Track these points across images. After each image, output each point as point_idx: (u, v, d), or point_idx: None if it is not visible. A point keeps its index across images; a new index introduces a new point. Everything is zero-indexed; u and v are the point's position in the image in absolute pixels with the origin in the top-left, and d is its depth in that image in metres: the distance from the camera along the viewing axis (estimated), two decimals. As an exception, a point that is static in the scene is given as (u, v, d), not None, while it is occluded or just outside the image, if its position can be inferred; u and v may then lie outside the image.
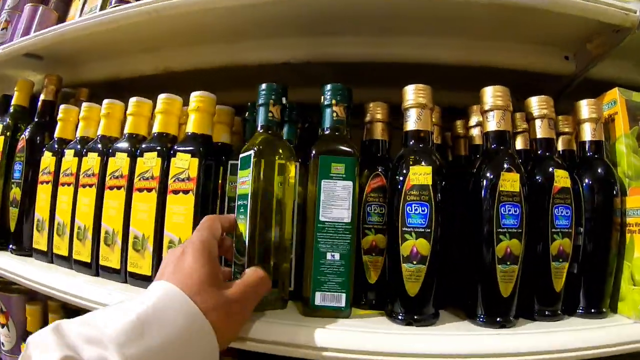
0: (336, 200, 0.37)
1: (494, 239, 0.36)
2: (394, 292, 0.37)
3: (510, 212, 0.36)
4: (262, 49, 0.54)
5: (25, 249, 0.59)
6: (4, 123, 0.65)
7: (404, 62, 0.53)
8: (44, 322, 0.65)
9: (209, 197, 0.45)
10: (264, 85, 0.40)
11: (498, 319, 0.37)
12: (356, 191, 0.37)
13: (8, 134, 0.64)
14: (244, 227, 0.37)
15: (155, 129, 0.48)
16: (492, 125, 0.39)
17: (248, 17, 0.50)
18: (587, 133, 0.44)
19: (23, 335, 0.66)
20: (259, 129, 0.40)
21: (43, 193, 0.57)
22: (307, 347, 0.33)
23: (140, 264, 0.46)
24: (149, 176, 0.46)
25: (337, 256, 0.36)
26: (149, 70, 0.60)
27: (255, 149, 0.37)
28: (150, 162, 0.46)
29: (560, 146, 0.47)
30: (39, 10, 0.66)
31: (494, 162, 0.37)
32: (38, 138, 0.60)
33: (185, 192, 0.44)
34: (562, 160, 0.41)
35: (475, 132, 0.47)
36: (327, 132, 0.39)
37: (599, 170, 0.42)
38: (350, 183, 0.37)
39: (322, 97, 0.40)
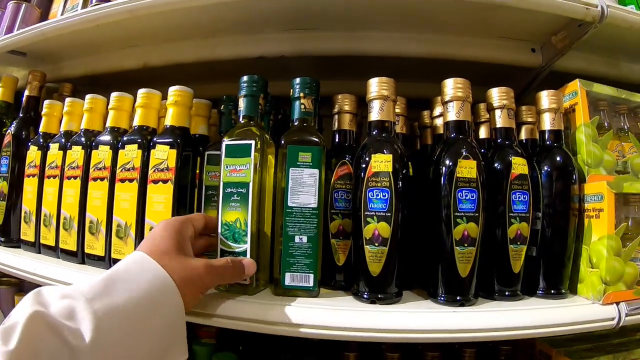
0: (303, 187, 0.39)
1: (452, 222, 0.38)
2: (359, 272, 0.39)
3: (467, 197, 0.38)
4: (238, 44, 0.55)
5: (13, 241, 0.60)
6: (-11, 119, 0.66)
7: (377, 56, 0.55)
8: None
9: (187, 186, 0.47)
10: (255, 77, 0.41)
11: (458, 298, 0.39)
12: (322, 178, 0.39)
13: (-6, 129, 0.65)
14: (240, 214, 0.38)
15: (136, 122, 0.50)
16: (451, 115, 0.41)
17: (222, 14, 0.51)
18: (547, 122, 0.46)
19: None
20: (243, 119, 0.41)
21: (29, 186, 0.58)
22: (276, 324, 0.36)
23: (124, 250, 0.48)
24: (130, 167, 0.48)
25: (304, 239, 0.39)
26: (129, 66, 0.62)
27: (257, 139, 0.39)
28: (131, 153, 0.48)
29: (523, 135, 0.49)
30: (22, 8, 0.67)
31: (452, 150, 0.39)
32: (23, 133, 0.62)
33: (165, 181, 0.46)
34: (520, 149, 0.43)
35: (439, 122, 0.49)
36: (295, 124, 0.41)
37: (557, 158, 0.44)
38: (316, 171, 0.39)
39: (292, 90, 0.42)
